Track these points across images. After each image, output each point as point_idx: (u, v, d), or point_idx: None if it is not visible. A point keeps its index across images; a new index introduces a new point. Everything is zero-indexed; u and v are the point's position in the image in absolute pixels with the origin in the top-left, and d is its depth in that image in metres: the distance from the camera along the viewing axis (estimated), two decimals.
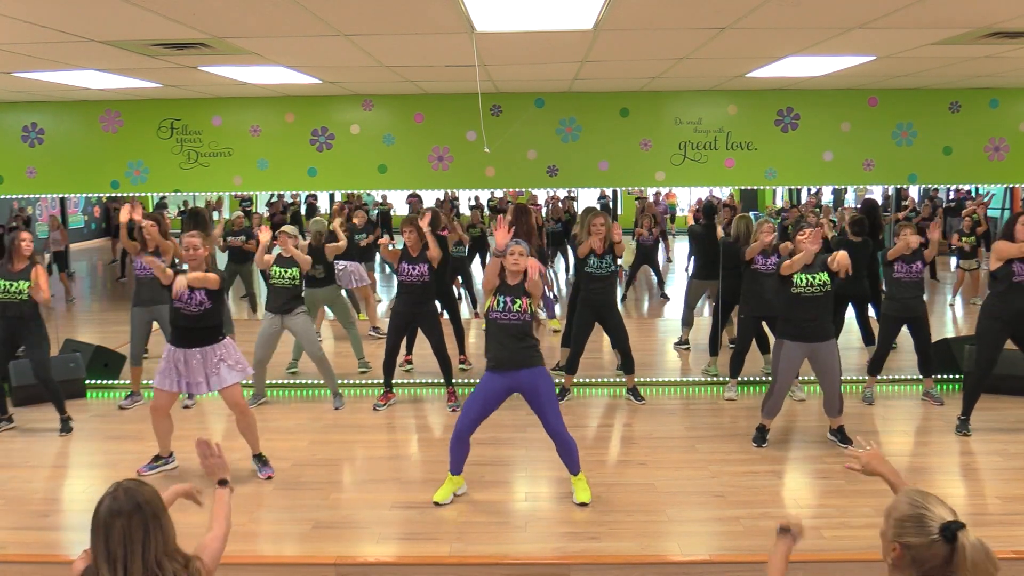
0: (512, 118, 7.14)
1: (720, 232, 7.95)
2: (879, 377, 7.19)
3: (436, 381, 7.31)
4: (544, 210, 13.73)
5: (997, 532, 4.52)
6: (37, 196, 9.83)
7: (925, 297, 6.93)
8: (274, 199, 13.37)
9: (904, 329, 6.85)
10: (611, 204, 14.67)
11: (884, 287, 7.21)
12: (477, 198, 14.84)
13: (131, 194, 7.42)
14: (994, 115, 7.17)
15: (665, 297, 11.99)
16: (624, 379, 7.21)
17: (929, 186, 13.66)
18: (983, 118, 7.16)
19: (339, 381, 7.19)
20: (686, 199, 18.55)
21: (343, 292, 8.61)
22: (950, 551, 1.90)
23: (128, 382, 7.25)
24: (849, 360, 6.65)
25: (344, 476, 5.56)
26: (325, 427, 6.54)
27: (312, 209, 14.53)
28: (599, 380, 7.71)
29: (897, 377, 7.58)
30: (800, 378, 7.13)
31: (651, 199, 14.52)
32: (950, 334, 8.77)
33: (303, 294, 6.98)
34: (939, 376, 7.33)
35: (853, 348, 8.17)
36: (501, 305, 4.78)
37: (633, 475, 5.46)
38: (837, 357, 5.80)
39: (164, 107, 7.21)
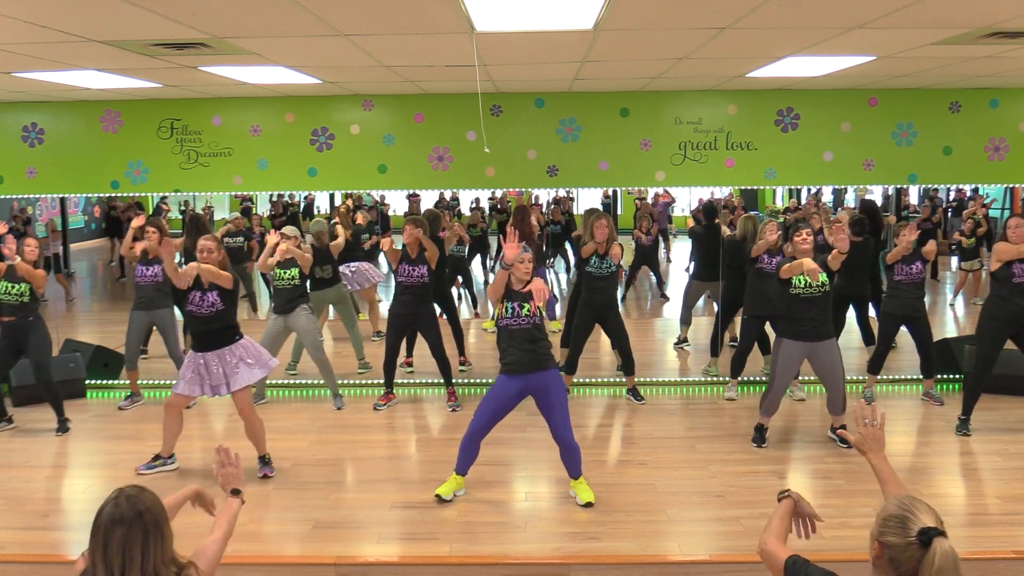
0: (512, 118, 7.14)
1: (726, 231, 7.94)
2: (879, 377, 7.19)
3: (436, 381, 7.31)
4: (544, 209, 13.74)
5: (997, 532, 4.50)
6: (37, 196, 9.83)
7: (927, 299, 6.93)
8: (274, 199, 13.39)
9: (904, 329, 6.85)
10: (611, 205, 14.65)
11: (885, 287, 7.22)
12: (478, 199, 14.89)
13: (131, 194, 7.42)
14: (994, 115, 7.17)
15: (665, 297, 11.99)
16: (624, 379, 7.22)
17: (929, 186, 13.66)
18: (983, 118, 7.16)
19: (339, 381, 7.19)
20: (686, 199, 18.58)
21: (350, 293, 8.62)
22: (923, 556, 1.91)
23: (127, 382, 7.25)
24: (849, 360, 6.65)
25: (344, 476, 5.56)
26: (325, 427, 6.54)
27: (310, 208, 14.54)
28: (599, 380, 7.71)
29: (897, 377, 7.58)
30: (800, 378, 7.14)
31: (649, 200, 14.50)
32: (951, 334, 8.77)
33: (308, 293, 6.99)
34: (939, 376, 7.33)
35: (853, 348, 8.16)
36: (510, 311, 4.82)
37: (633, 475, 5.46)
38: (838, 355, 5.81)
39: (164, 107, 7.21)
